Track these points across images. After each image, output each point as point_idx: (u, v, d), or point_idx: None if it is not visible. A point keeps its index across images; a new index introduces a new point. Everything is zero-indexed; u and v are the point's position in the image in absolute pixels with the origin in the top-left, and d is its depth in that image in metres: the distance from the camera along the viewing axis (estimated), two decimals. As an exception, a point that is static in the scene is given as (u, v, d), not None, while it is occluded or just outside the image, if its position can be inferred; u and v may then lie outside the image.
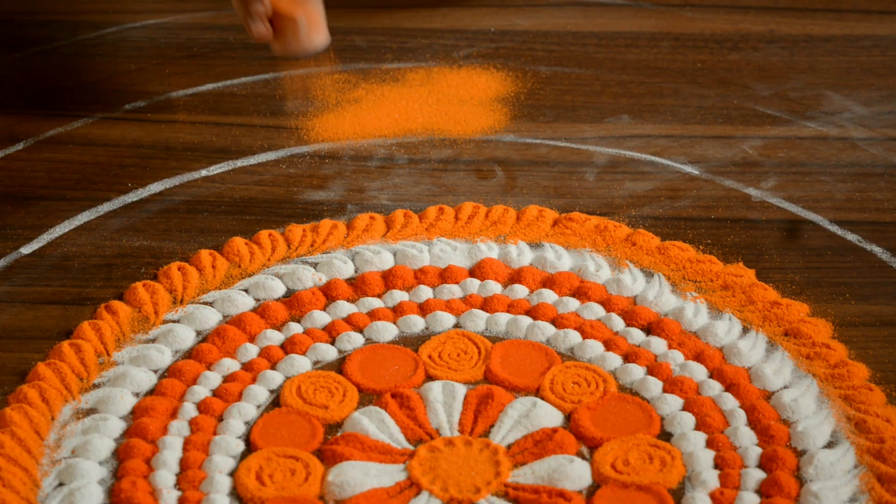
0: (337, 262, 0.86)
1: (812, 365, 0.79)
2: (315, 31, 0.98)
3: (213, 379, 0.78)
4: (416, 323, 0.83)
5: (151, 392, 0.78)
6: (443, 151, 0.99)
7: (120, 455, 0.73)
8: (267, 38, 0.97)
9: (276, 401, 0.77)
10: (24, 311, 0.84)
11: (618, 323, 0.83)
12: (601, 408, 0.76)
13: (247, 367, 0.79)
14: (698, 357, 0.80)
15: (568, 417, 0.76)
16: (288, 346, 0.81)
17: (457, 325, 0.83)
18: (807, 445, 0.74)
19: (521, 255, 0.87)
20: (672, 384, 0.78)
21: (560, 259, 0.87)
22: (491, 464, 0.73)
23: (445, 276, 0.86)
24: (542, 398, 0.77)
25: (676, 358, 0.80)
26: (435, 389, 0.77)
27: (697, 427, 0.75)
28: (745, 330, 0.82)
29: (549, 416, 0.76)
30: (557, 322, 0.83)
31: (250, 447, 0.74)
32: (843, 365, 0.79)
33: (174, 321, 0.83)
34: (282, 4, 0.96)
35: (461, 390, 0.77)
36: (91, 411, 0.76)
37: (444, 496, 0.71)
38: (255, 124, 1.02)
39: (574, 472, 0.72)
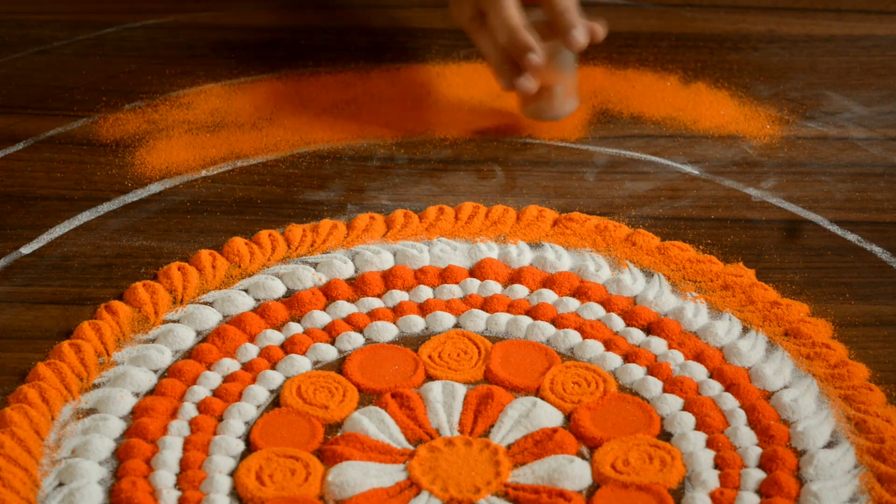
0: (337, 262, 0.86)
1: (812, 365, 0.79)
2: (568, 97, 0.98)
3: (213, 379, 0.78)
4: (416, 323, 0.83)
5: (151, 392, 0.78)
6: (443, 151, 0.99)
7: (120, 455, 0.73)
8: (530, 94, 0.96)
9: (276, 401, 0.77)
10: (24, 311, 0.83)
11: (618, 323, 0.83)
12: (601, 408, 0.76)
13: (247, 367, 0.79)
14: (698, 357, 0.80)
15: (568, 417, 0.76)
16: (288, 346, 0.81)
17: (457, 325, 0.83)
18: (807, 445, 0.74)
19: (521, 255, 0.87)
20: (672, 384, 0.78)
21: (560, 259, 0.87)
22: (491, 464, 0.73)
23: (445, 276, 0.86)
24: (542, 398, 0.77)
25: (676, 358, 0.80)
26: (435, 389, 0.77)
27: (697, 427, 0.75)
28: (745, 330, 0.82)
29: (549, 416, 0.76)
30: (557, 322, 0.83)
31: (250, 447, 0.74)
32: (843, 365, 0.79)
33: (174, 321, 0.83)
34: (543, 71, 0.95)
35: (461, 390, 0.77)
36: (91, 411, 0.76)
37: (443, 496, 0.71)
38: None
39: (574, 472, 0.72)
